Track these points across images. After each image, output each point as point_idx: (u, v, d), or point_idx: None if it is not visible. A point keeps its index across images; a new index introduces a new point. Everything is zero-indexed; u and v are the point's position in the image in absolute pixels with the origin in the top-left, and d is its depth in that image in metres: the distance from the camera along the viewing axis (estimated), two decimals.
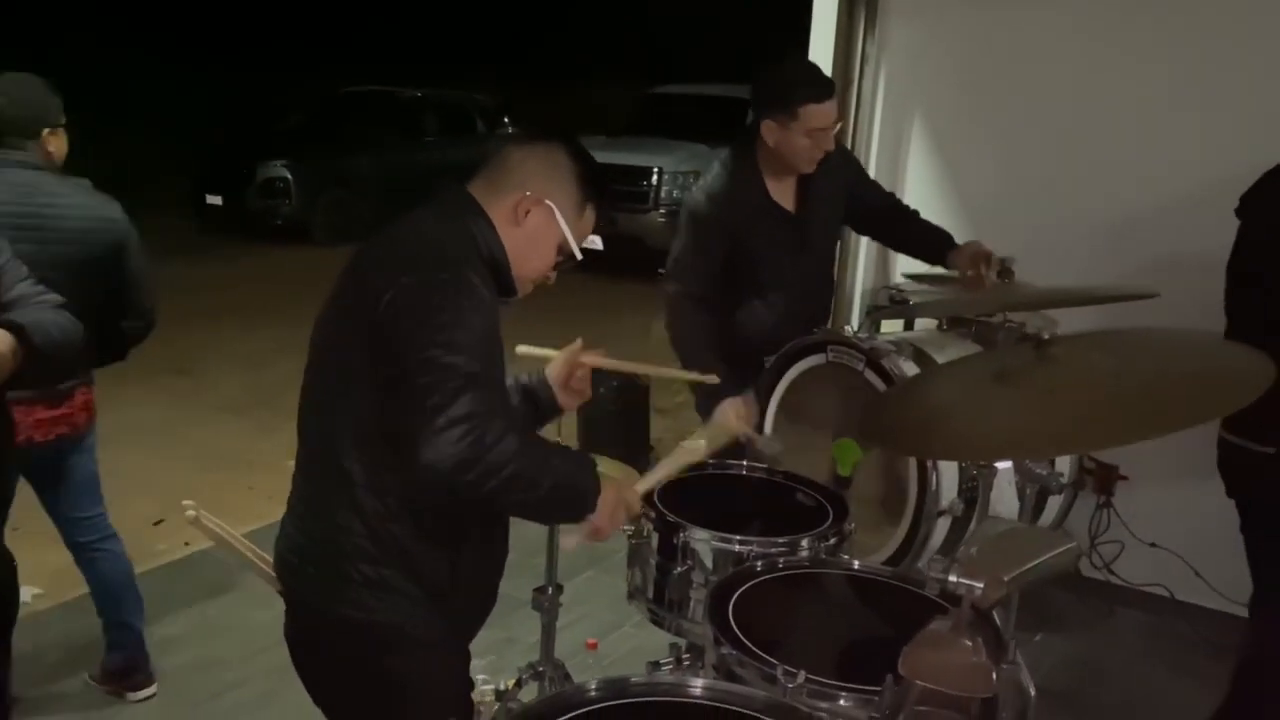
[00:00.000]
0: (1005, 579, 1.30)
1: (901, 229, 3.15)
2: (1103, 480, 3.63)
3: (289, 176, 10.55)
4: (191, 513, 1.98)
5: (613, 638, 3.32)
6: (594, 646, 3.28)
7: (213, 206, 10.84)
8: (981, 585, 1.30)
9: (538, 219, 1.72)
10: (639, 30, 20.06)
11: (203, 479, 4.71)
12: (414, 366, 1.51)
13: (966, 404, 1.91)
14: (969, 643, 1.27)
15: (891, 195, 3.24)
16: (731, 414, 2.78)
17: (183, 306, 7.86)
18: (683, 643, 2.19)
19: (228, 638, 3.46)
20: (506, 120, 12.86)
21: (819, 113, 2.69)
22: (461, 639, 1.82)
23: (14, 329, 2.04)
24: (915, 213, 3.16)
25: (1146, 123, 3.40)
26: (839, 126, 2.82)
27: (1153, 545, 3.60)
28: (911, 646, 1.27)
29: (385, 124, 11.57)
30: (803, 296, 3.00)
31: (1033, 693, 2.93)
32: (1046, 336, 1.82)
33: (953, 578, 1.31)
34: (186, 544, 4.09)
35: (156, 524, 4.31)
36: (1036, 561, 1.34)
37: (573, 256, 1.78)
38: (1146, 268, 3.27)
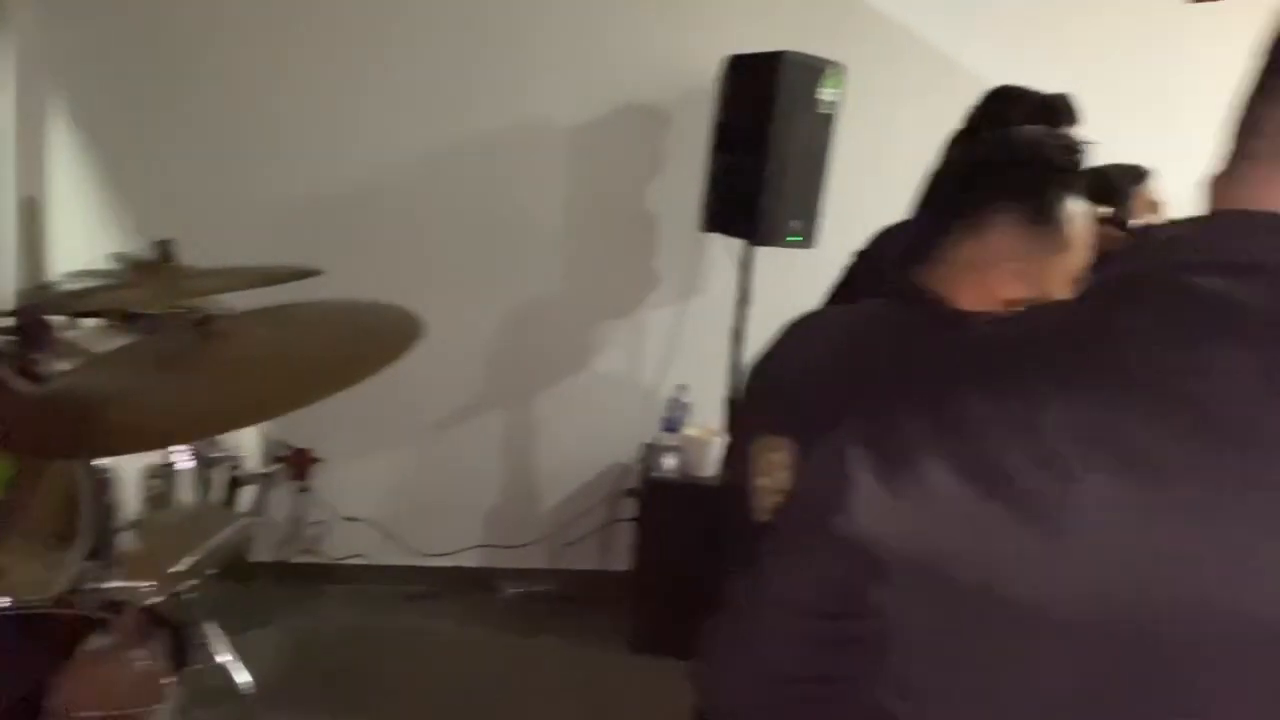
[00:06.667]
0: (176, 569, 1.17)
1: None
2: (298, 466, 3.70)
3: None
4: None
5: None
6: None
7: None
8: (153, 584, 1.15)
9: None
10: None
11: None
12: None
13: (131, 393, 1.71)
14: (142, 650, 1.11)
15: None
16: None
17: None
18: None
19: None
20: None
21: None
22: None
23: None
24: None
25: (311, 112, 3.47)
26: None
27: (351, 519, 3.78)
28: (69, 676, 1.06)
29: None
30: None
31: (248, 687, 2.88)
32: (205, 316, 1.72)
33: (115, 583, 1.14)
34: None
35: None
36: (210, 543, 1.24)
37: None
38: (314, 247, 3.35)
